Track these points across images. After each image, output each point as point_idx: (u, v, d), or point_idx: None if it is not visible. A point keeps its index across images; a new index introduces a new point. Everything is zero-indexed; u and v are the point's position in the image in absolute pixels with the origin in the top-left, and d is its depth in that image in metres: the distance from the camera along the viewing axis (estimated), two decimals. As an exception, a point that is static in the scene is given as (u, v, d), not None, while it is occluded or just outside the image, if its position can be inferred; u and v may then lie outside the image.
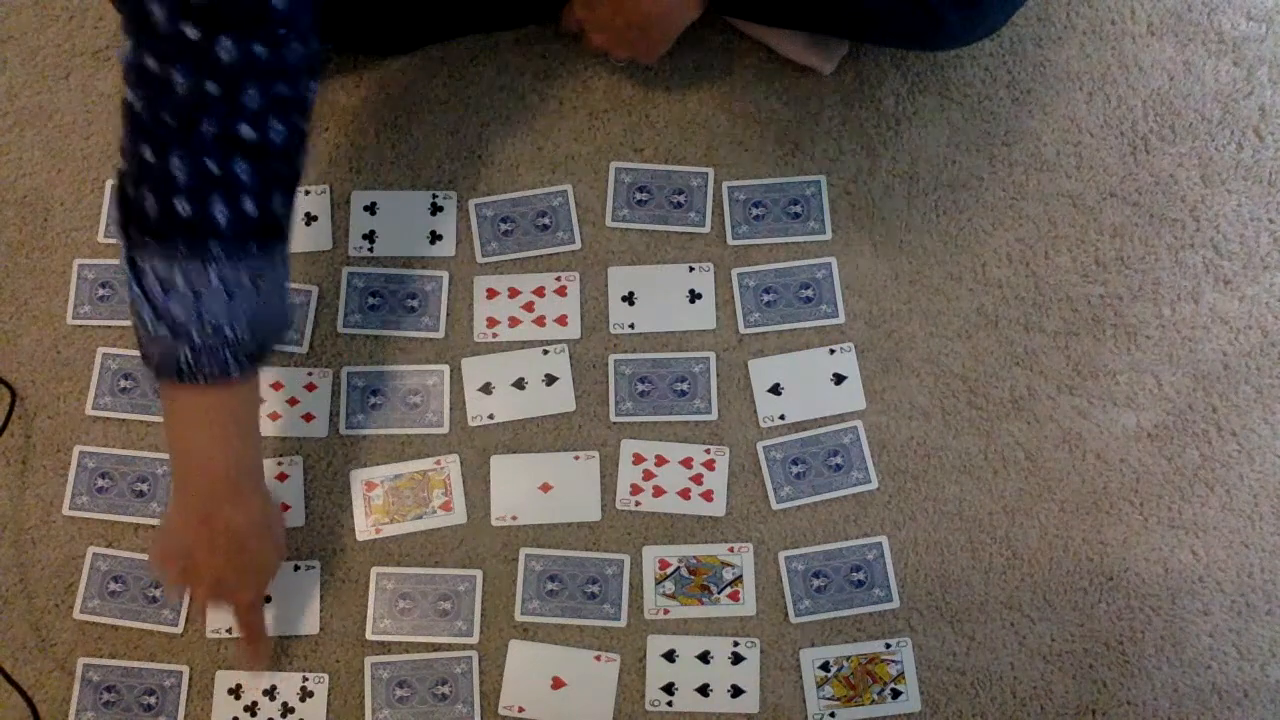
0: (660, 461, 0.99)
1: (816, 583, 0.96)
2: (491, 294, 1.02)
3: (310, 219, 1.04)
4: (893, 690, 0.94)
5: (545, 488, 0.99)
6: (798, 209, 1.04)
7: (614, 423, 1.00)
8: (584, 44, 1.00)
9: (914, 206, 1.04)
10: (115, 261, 1.03)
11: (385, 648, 0.95)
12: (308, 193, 1.04)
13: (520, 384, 1.01)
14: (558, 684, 0.95)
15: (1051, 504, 0.98)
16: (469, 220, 1.04)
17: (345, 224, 1.04)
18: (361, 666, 0.95)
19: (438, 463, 0.99)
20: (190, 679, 0.95)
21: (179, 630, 0.96)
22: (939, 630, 0.96)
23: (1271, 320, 1.02)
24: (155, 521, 0.98)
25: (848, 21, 0.97)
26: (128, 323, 1.02)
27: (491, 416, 1.00)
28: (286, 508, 0.98)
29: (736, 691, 0.94)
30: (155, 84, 0.69)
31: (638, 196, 1.05)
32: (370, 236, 1.04)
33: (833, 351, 1.01)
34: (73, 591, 0.97)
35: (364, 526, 0.98)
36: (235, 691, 0.94)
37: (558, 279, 1.03)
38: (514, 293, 1.03)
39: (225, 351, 0.75)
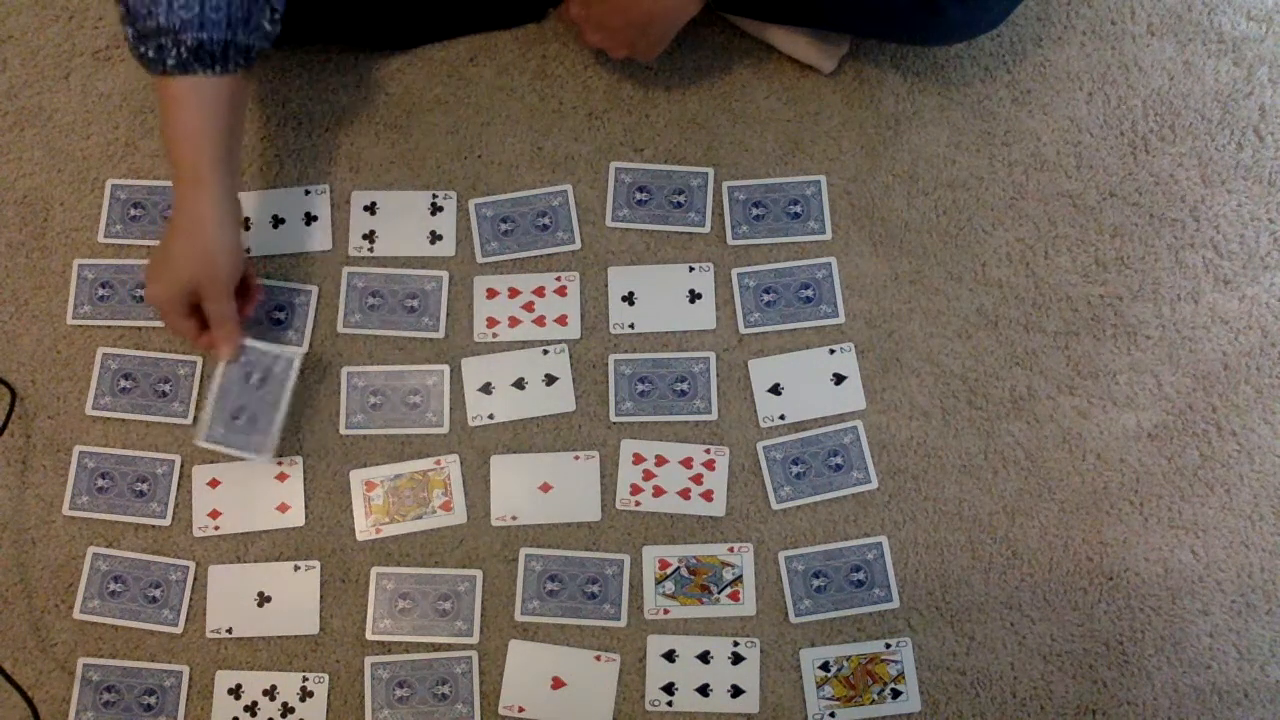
0: (660, 461, 0.99)
1: (816, 583, 0.96)
2: (491, 294, 1.02)
3: (310, 219, 1.04)
4: (893, 690, 0.94)
5: (545, 488, 0.99)
6: (798, 209, 1.04)
7: (614, 423, 1.00)
8: (579, 41, 1.00)
9: (914, 206, 1.04)
10: (115, 261, 1.03)
11: (385, 648, 0.95)
12: (308, 193, 1.04)
13: (520, 384, 1.01)
14: (558, 684, 0.95)
15: (1051, 504, 0.98)
16: (469, 220, 1.04)
17: (345, 224, 1.04)
18: (361, 666, 0.95)
19: (438, 463, 0.99)
20: (190, 679, 0.95)
21: (179, 630, 0.96)
22: (939, 630, 0.96)
23: (1271, 320, 1.02)
24: (155, 521, 0.98)
25: (849, 17, 0.97)
26: (128, 322, 1.02)
27: (491, 416, 1.00)
28: (287, 507, 0.98)
29: (736, 691, 0.94)
30: None
31: (638, 196, 1.05)
32: (370, 236, 1.04)
33: (833, 351, 1.01)
34: (73, 591, 0.97)
35: (364, 526, 0.98)
36: (235, 691, 0.94)
37: (558, 279, 1.03)
38: (514, 293, 1.03)
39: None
